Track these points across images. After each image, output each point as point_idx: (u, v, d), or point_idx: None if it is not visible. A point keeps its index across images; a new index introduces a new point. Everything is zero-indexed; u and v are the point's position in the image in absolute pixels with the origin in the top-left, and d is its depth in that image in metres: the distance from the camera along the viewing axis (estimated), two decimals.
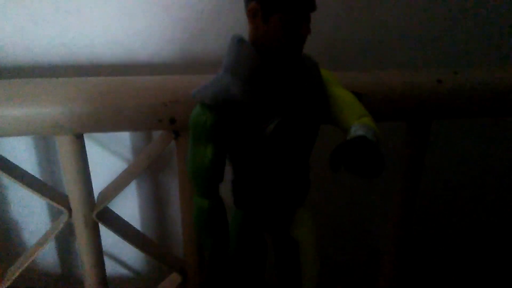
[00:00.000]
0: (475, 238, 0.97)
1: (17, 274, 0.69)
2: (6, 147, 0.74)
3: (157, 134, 0.76)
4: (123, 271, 0.90)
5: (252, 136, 0.46)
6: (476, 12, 0.77)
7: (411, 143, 0.71)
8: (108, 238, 0.73)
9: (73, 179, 0.64)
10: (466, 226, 0.96)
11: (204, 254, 0.72)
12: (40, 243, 0.70)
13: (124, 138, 0.78)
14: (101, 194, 0.70)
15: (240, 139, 0.47)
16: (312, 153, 0.52)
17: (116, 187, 0.69)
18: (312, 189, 0.54)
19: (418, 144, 0.71)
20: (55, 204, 0.66)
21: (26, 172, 0.69)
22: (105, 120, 0.60)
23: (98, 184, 0.70)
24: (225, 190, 0.51)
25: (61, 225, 0.67)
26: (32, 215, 0.81)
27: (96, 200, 0.69)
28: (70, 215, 0.67)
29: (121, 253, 0.88)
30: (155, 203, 0.85)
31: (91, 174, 0.66)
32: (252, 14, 0.43)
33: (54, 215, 0.82)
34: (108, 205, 0.69)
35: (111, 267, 0.87)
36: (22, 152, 0.76)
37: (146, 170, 0.80)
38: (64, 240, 0.85)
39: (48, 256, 0.86)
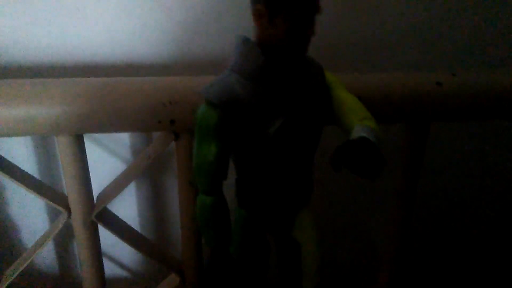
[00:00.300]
0: (474, 238, 0.98)
1: (16, 274, 0.69)
2: (5, 147, 0.74)
3: (156, 135, 0.76)
4: (121, 272, 0.90)
5: (256, 135, 0.47)
6: (476, 15, 0.78)
7: (410, 144, 0.71)
8: (107, 239, 0.73)
9: (73, 179, 0.64)
10: (465, 227, 0.96)
11: (202, 255, 0.72)
12: (39, 244, 0.70)
13: (123, 139, 0.78)
14: (100, 195, 0.70)
15: (244, 138, 0.47)
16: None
17: (115, 188, 0.69)
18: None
19: (417, 145, 0.71)
20: (54, 205, 0.66)
21: (26, 172, 0.68)
22: (105, 121, 0.60)
23: (97, 185, 0.69)
24: (229, 191, 0.51)
25: (60, 226, 0.67)
26: (31, 215, 0.81)
27: (95, 201, 0.68)
28: (69, 216, 0.67)
29: (120, 254, 0.88)
30: (154, 204, 0.85)
31: (90, 174, 0.66)
32: (257, 16, 0.44)
33: (53, 216, 0.82)
34: (107, 206, 0.68)
35: (109, 268, 0.87)
36: (22, 153, 0.76)
37: (145, 171, 0.80)
38: (63, 241, 0.85)
39: (46, 257, 0.86)
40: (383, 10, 0.75)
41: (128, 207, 0.83)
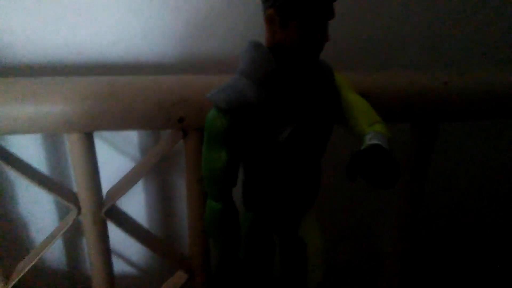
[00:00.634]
0: (481, 242, 0.97)
1: (25, 270, 0.70)
2: (16, 145, 0.75)
3: (165, 133, 0.77)
4: (129, 268, 0.91)
5: (266, 140, 0.46)
6: (482, 14, 0.77)
7: (417, 144, 0.71)
8: (115, 235, 0.74)
9: (82, 177, 0.65)
10: (471, 230, 0.95)
11: (210, 255, 0.73)
12: (49, 240, 0.71)
13: (132, 137, 0.79)
14: (109, 192, 0.71)
15: (254, 143, 0.46)
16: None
17: (124, 185, 0.69)
18: None
19: (424, 145, 0.71)
20: (64, 202, 0.67)
21: (36, 169, 0.69)
22: (115, 119, 0.60)
23: (107, 182, 0.70)
24: (236, 195, 0.51)
25: (70, 222, 0.68)
26: (41, 212, 0.82)
27: (104, 198, 0.69)
28: (79, 212, 0.67)
29: (128, 251, 0.89)
30: (162, 201, 0.85)
31: (99, 172, 0.67)
32: (269, 20, 0.43)
33: (62, 213, 0.83)
34: (116, 203, 0.69)
35: (117, 264, 0.88)
36: (32, 150, 0.77)
37: (154, 169, 0.80)
38: (72, 238, 0.85)
39: (56, 253, 0.87)
40: (389, 9, 0.75)
41: (136, 204, 0.84)
